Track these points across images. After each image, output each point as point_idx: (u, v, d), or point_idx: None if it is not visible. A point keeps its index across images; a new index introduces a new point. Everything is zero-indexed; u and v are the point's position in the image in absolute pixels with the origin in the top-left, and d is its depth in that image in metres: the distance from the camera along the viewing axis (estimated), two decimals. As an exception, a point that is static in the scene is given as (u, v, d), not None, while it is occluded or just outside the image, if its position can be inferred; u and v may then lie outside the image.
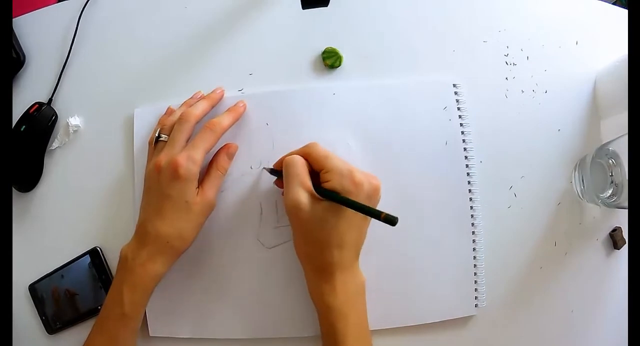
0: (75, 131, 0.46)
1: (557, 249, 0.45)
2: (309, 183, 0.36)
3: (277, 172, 0.41)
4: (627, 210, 0.44)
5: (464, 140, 0.45)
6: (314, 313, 0.39)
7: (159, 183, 0.37)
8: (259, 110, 0.45)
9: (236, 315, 0.43)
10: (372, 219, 0.34)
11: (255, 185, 0.44)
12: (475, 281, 0.43)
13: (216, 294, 0.43)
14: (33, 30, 0.48)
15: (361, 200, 0.35)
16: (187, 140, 0.39)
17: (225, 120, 0.40)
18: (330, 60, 0.46)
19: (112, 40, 0.48)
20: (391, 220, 0.32)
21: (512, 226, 0.45)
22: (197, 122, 0.40)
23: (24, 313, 0.45)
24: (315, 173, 0.38)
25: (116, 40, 0.48)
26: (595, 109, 0.47)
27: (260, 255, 0.43)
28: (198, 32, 0.48)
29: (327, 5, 0.36)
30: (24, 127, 0.45)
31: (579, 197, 0.46)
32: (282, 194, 0.41)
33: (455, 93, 0.45)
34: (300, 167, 0.37)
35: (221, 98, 0.44)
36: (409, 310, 0.43)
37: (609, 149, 0.42)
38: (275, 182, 0.43)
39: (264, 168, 0.43)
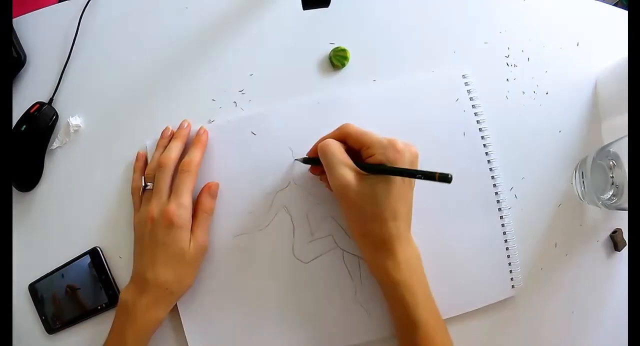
0: (75, 131, 0.46)
1: (557, 250, 0.45)
2: (350, 161, 0.36)
3: (312, 159, 0.41)
4: (627, 212, 0.44)
5: (480, 129, 0.45)
6: (361, 319, 0.39)
7: (154, 233, 0.39)
8: (275, 127, 0.44)
9: (284, 334, 0.42)
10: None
11: (283, 202, 0.43)
12: (509, 264, 0.44)
13: (261, 317, 0.43)
14: (34, 30, 0.48)
15: (405, 167, 0.35)
16: (171, 185, 0.41)
17: (195, 156, 0.42)
18: (338, 59, 0.46)
19: (113, 40, 0.48)
20: (445, 177, 0.32)
21: (512, 227, 0.44)
22: (175, 164, 0.41)
23: (24, 313, 0.45)
24: (353, 153, 0.38)
25: (117, 40, 0.48)
26: (596, 110, 0.47)
27: (300, 271, 0.43)
28: (198, 32, 0.47)
29: (327, 6, 0.36)
30: (24, 126, 0.45)
31: (580, 198, 0.46)
32: (319, 179, 0.42)
33: (466, 84, 0.45)
34: (337, 148, 0.37)
35: (189, 131, 0.44)
36: (449, 300, 0.42)
37: (609, 150, 0.42)
38: (311, 170, 0.42)
39: (295, 159, 0.43)
